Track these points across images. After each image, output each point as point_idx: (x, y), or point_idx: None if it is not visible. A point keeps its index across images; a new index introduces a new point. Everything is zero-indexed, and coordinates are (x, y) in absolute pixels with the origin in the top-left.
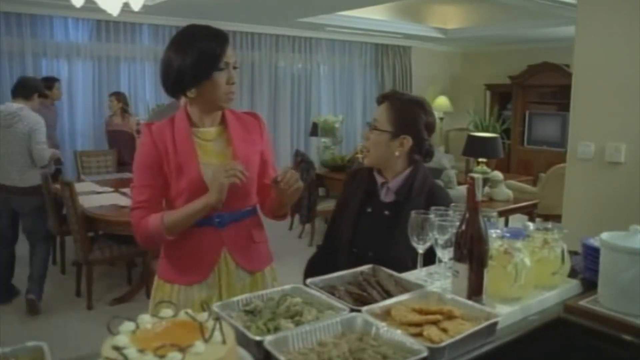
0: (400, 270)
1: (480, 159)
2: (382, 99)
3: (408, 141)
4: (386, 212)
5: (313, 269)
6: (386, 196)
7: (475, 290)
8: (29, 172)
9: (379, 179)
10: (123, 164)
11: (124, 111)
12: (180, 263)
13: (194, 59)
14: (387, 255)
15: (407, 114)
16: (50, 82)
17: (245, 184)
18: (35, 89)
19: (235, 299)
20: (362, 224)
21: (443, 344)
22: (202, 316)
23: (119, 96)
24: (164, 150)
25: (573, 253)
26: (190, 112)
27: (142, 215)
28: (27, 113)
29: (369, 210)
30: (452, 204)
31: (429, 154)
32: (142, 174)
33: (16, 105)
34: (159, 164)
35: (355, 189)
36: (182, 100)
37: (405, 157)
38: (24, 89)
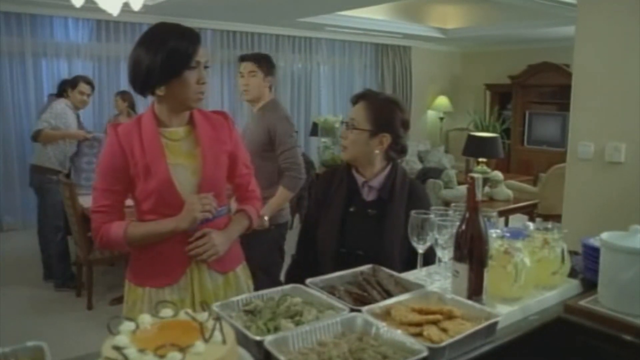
0: (390, 267)
1: (480, 159)
2: (357, 99)
3: (387, 139)
4: (370, 211)
5: (293, 280)
6: (368, 195)
7: (475, 290)
8: (39, 153)
9: (359, 179)
10: None
11: (130, 111)
12: (150, 266)
13: (164, 57)
14: (376, 253)
15: (385, 112)
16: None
17: (215, 186)
18: (66, 84)
19: (235, 298)
20: (348, 223)
21: (443, 344)
22: (202, 316)
23: (124, 95)
24: (130, 152)
25: (573, 253)
26: (158, 111)
27: (104, 220)
28: (54, 103)
29: (352, 209)
30: (453, 204)
31: (404, 151)
32: (106, 177)
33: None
34: (124, 166)
35: (335, 190)
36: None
37: (383, 154)
38: (58, 90)
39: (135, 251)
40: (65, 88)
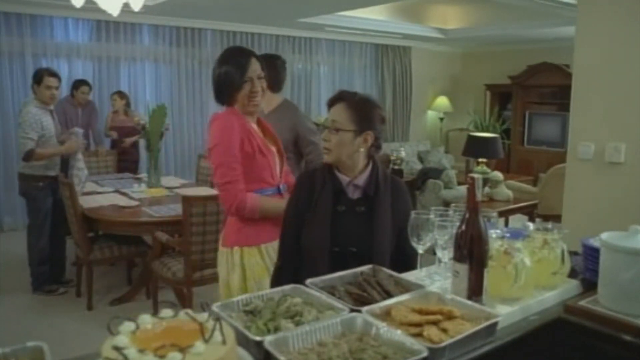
0: (383, 260)
1: (480, 159)
2: (334, 101)
3: (371, 136)
4: (357, 209)
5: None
6: (354, 193)
7: (475, 291)
8: (20, 160)
9: (344, 179)
10: (124, 161)
11: (127, 109)
12: (265, 225)
13: (233, 79)
14: (369, 249)
15: (366, 111)
16: (76, 84)
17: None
18: (32, 80)
19: (235, 299)
20: (338, 223)
21: (443, 344)
22: (202, 316)
23: (121, 94)
24: (245, 137)
25: (573, 253)
26: (244, 107)
27: (239, 187)
28: (24, 107)
29: (341, 209)
30: (453, 205)
31: (380, 147)
32: (235, 153)
33: (24, 101)
34: (240, 146)
35: (320, 192)
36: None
37: (365, 152)
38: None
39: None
40: (32, 85)
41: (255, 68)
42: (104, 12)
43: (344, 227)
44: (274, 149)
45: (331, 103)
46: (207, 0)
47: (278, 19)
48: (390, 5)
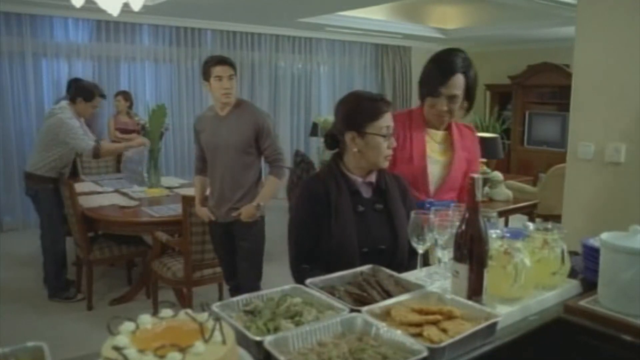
0: (406, 253)
1: (480, 159)
2: (387, 109)
3: None
4: (376, 206)
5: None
6: (367, 192)
7: (475, 291)
8: (37, 161)
9: (357, 179)
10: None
11: (129, 110)
12: None
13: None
14: (394, 242)
15: None
16: (71, 83)
17: (454, 181)
18: (78, 93)
19: (235, 299)
20: (362, 223)
21: (443, 344)
22: (202, 316)
23: (126, 95)
24: (402, 136)
25: (573, 253)
26: (426, 114)
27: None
28: (60, 114)
29: (359, 209)
30: (453, 204)
31: None
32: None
33: (59, 105)
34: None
35: (336, 195)
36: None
37: None
38: (70, 91)
39: None
40: (74, 96)
41: (453, 84)
42: (104, 12)
43: (369, 226)
44: (441, 158)
45: (384, 110)
46: (207, 0)
47: (278, 19)
48: (390, 5)
